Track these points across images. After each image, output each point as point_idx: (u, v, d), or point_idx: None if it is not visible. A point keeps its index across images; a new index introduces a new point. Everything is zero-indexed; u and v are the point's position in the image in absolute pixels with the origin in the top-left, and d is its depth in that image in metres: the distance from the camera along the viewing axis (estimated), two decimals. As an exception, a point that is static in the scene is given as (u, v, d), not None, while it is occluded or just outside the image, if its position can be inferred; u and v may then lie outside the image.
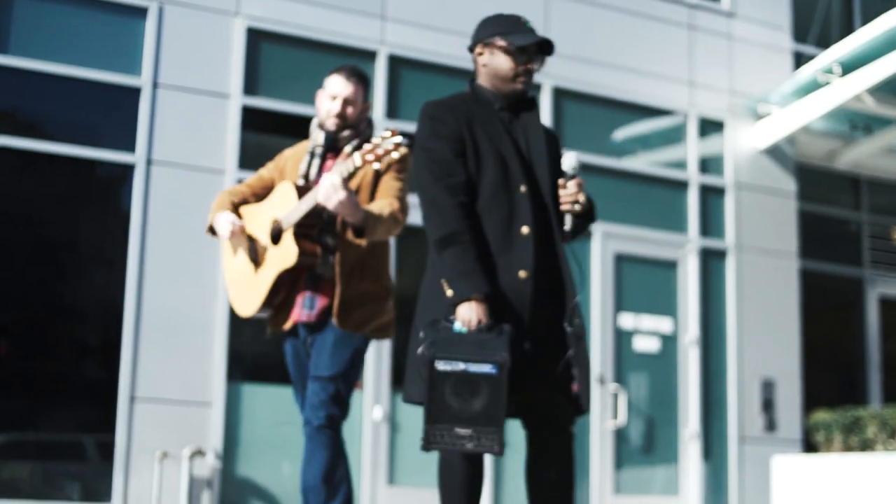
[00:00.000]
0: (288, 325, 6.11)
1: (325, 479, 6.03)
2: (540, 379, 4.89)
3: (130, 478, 9.90)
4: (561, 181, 5.09)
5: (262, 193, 6.32)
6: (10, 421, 9.97)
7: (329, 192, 5.62)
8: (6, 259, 10.25)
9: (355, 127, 6.23)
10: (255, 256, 6.13)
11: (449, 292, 4.81)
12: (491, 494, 11.15)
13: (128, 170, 10.33)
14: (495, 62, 5.22)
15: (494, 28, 5.29)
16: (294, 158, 6.31)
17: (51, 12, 10.37)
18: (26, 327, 10.28)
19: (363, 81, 6.29)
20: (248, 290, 6.15)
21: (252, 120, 10.75)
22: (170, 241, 10.23)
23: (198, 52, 10.70)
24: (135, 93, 10.43)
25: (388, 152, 5.57)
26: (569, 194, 5.05)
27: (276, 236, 6.01)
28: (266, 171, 6.39)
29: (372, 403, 10.84)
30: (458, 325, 4.76)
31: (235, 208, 6.28)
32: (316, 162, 6.18)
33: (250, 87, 10.82)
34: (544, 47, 5.23)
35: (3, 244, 10.26)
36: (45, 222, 10.55)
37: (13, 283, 10.25)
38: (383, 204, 6.02)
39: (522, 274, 4.88)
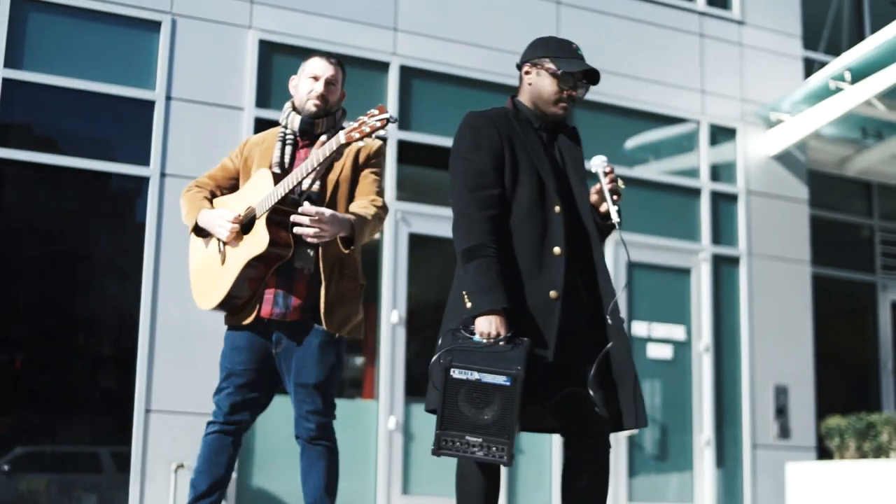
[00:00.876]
0: (250, 320, 5.78)
1: (328, 490, 6.02)
2: (576, 390, 4.94)
3: (146, 489, 9.93)
4: (595, 187, 5.17)
5: (226, 185, 6.02)
6: (27, 433, 10.02)
7: (315, 231, 5.45)
8: (22, 272, 10.30)
9: (333, 115, 5.97)
10: (223, 247, 5.81)
11: (468, 304, 4.83)
12: (505, 503, 11.18)
13: (142, 182, 10.37)
14: (540, 83, 5.25)
15: (545, 50, 5.29)
16: (262, 146, 5.97)
17: (64, 27, 10.43)
18: (42, 340, 10.33)
19: (342, 67, 6.03)
20: (212, 281, 5.83)
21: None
22: (184, 254, 10.24)
23: (211, 66, 10.75)
24: (148, 106, 10.47)
25: (374, 129, 5.39)
26: (608, 182, 5.16)
27: (248, 224, 5.72)
28: (230, 162, 6.04)
29: (386, 413, 10.87)
30: (477, 337, 4.79)
31: (210, 203, 5.96)
32: (289, 150, 5.87)
33: (263, 100, 10.86)
34: (590, 77, 5.28)
35: (19, 257, 10.32)
36: (60, 235, 10.60)
37: (29, 296, 10.30)
38: (365, 203, 5.76)
39: (553, 294, 4.92)
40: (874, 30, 14.09)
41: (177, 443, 9.95)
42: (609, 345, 5.00)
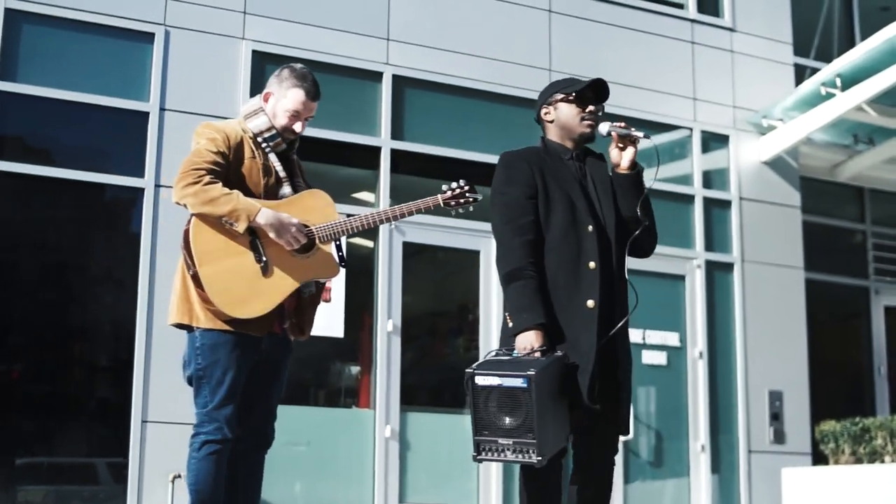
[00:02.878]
0: (265, 332, 5.79)
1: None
2: (594, 405, 5.37)
3: (143, 500, 9.93)
4: (613, 135, 5.68)
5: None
6: (24, 444, 10.03)
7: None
8: (18, 283, 10.32)
9: None
10: (264, 258, 5.70)
11: (510, 324, 5.35)
12: (502, 510, 11.22)
13: (137, 193, 10.39)
14: (561, 114, 5.75)
15: (552, 89, 5.86)
16: (248, 146, 5.90)
17: (58, 39, 10.45)
18: (38, 350, 10.33)
19: None
20: (253, 290, 5.67)
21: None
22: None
23: (204, 76, 10.78)
24: (143, 117, 10.49)
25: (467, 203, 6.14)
26: (623, 132, 5.66)
27: (308, 245, 5.79)
28: (222, 159, 5.77)
29: (382, 422, 10.89)
30: (517, 352, 5.28)
31: None
32: (277, 161, 5.95)
33: (257, 110, 10.88)
34: (600, 94, 5.79)
35: (15, 268, 10.34)
36: (56, 247, 10.62)
37: (25, 306, 10.32)
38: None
39: (590, 304, 5.40)
40: (864, 36, 14.13)
41: (174, 453, 9.93)
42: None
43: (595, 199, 5.62)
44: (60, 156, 10.46)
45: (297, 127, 6.02)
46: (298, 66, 6.21)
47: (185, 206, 5.61)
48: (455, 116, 11.97)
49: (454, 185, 6.09)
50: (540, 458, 5.09)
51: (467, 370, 5.17)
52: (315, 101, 6.10)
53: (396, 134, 11.50)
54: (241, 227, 5.58)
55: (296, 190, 5.94)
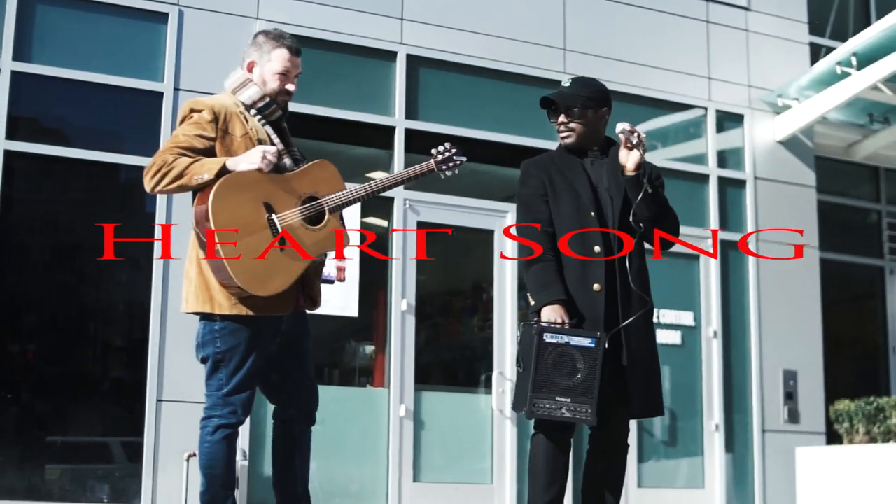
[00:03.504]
0: (291, 309, 5.78)
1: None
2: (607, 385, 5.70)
3: (158, 479, 9.96)
4: (622, 137, 5.92)
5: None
6: (39, 423, 10.06)
7: None
8: (32, 264, 10.35)
9: None
10: (281, 232, 5.67)
11: (532, 301, 5.81)
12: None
13: (151, 173, 10.39)
14: None
15: None
16: (240, 121, 5.84)
17: (72, 19, 10.45)
18: (53, 331, 10.36)
19: None
20: (271, 266, 5.60)
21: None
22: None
23: (218, 56, 10.74)
24: (157, 97, 10.49)
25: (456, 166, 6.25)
26: (631, 137, 5.87)
27: (318, 216, 5.77)
28: (203, 138, 5.72)
29: (397, 401, 10.90)
30: (544, 323, 5.64)
31: None
32: (273, 133, 5.94)
33: (271, 90, 10.87)
34: (545, 103, 6.19)
35: (29, 249, 10.36)
36: (70, 227, 10.63)
37: (39, 287, 10.34)
38: None
39: (596, 287, 5.78)
40: (880, 15, 14.09)
41: (189, 432, 9.88)
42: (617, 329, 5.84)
43: (602, 188, 6.01)
44: (74, 136, 10.48)
45: (290, 87, 6.03)
46: (270, 28, 6.23)
47: (159, 192, 5.69)
48: (469, 96, 11.95)
49: (441, 148, 6.22)
50: (594, 416, 5.55)
51: (528, 331, 5.65)
52: (299, 56, 6.10)
53: (411, 113, 11.49)
54: (211, 173, 5.56)
55: (295, 161, 5.92)
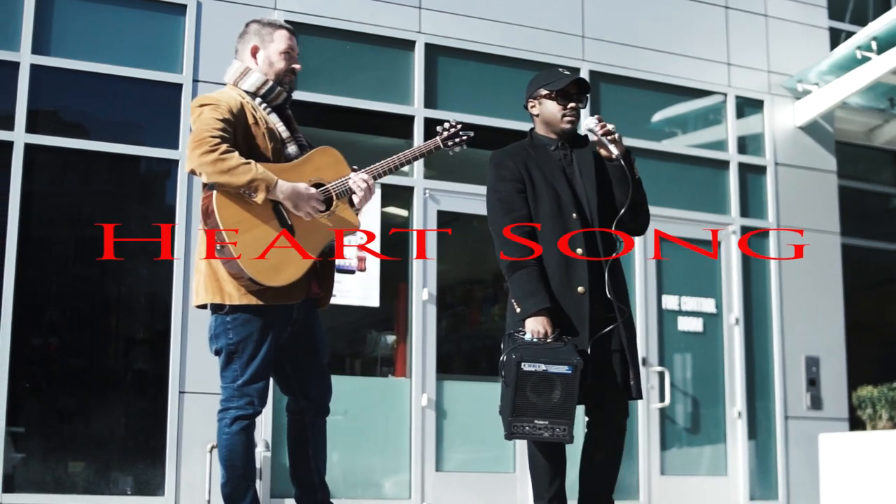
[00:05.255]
0: (301, 298, 5.75)
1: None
2: (598, 376, 5.84)
3: (182, 471, 9.99)
4: (595, 138, 5.99)
5: None
6: (62, 417, 10.09)
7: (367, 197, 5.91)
8: (54, 257, 10.36)
9: None
10: (289, 222, 5.67)
11: (518, 309, 5.81)
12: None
13: (171, 165, 10.42)
14: (545, 109, 6.14)
15: (537, 83, 6.21)
16: (249, 112, 5.80)
17: (90, 12, 10.46)
18: (75, 324, 10.39)
19: None
20: (280, 256, 5.60)
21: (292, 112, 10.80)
22: (214, 235, 10.28)
23: (237, 47, 10.75)
24: (176, 89, 10.49)
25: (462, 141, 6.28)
26: (600, 130, 5.93)
27: (326, 202, 5.76)
28: (230, 126, 5.65)
29: (419, 390, 10.90)
30: (528, 336, 5.73)
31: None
32: (279, 121, 5.92)
33: (289, 80, 10.87)
34: (583, 89, 6.13)
35: (51, 242, 10.38)
36: (91, 219, 10.64)
37: (61, 280, 10.36)
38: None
39: (580, 289, 5.85)
40: (900, -2, 14.06)
41: (211, 424, 9.90)
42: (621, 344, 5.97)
43: (580, 187, 6.01)
44: (94, 129, 10.49)
45: (296, 65, 6.06)
46: (258, 18, 6.27)
47: (199, 174, 5.50)
48: (488, 84, 11.94)
49: (446, 125, 6.23)
50: (570, 436, 5.68)
51: (510, 356, 5.68)
52: (296, 36, 6.15)
53: (430, 102, 11.48)
54: (259, 198, 5.51)
55: (300, 148, 5.92)
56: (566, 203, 5.93)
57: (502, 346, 5.90)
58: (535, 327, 5.72)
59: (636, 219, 6.10)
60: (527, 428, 5.66)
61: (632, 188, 5.94)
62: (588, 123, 5.95)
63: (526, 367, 5.61)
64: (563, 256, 5.86)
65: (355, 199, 5.88)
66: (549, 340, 5.70)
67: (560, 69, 6.26)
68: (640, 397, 5.99)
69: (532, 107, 6.21)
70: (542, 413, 5.64)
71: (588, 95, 6.19)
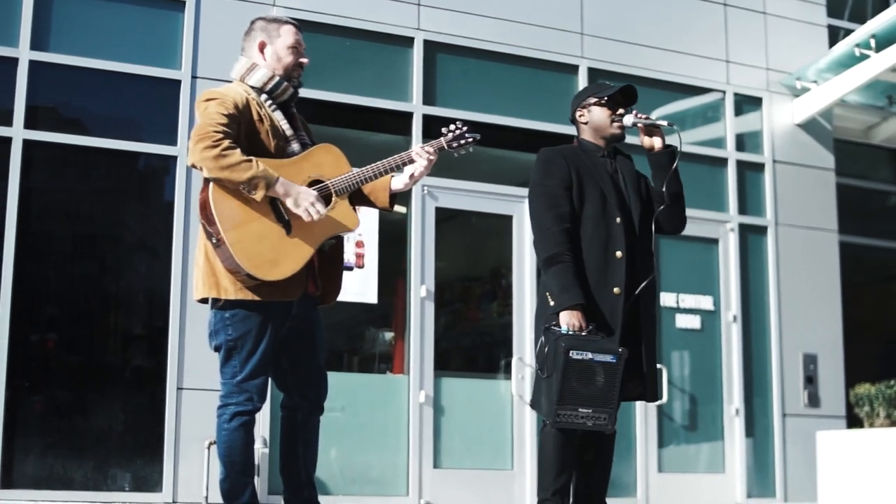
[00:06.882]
0: (299, 295, 5.72)
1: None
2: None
3: (179, 466, 9.99)
4: (640, 126, 6.32)
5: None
6: (60, 413, 10.08)
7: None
8: (52, 253, 10.36)
9: None
10: (286, 217, 5.64)
11: (551, 303, 5.97)
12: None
13: (170, 161, 10.42)
14: (594, 117, 6.39)
15: (585, 93, 6.51)
16: (254, 108, 5.79)
17: (89, 8, 10.45)
18: (73, 320, 10.38)
19: None
20: (278, 250, 5.58)
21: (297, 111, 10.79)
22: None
23: (235, 43, 10.67)
24: (175, 85, 10.50)
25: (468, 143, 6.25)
26: (647, 123, 6.30)
27: (325, 199, 5.70)
28: (234, 122, 5.63)
29: (416, 387, 10.91)
30: (564, 328, 5.88)
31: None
32: (283, 118, 5.90)
33: (288, 77, 10.86)
34: (630, 98, 6.39)
35: (49, 238, 10.37)
36: (90, 216, 10.65)
37: (59, 276, 10.36)
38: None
39: (616, 290, 6.05)
40: (899, -4, 14.05)
41: (209, 420, 9.89)
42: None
43: (625, 194, 6.26)
44: (93, 125, 10.49)
45: (304, 60, 6.04)
46: (263, 15, 6.28)
47: (200, 169, 5.47)
48: (487, 81, 11.94)
49: (452, 126, 6.23)
50: (612, 424, 5.89)
51: (556, 345, 5.81)
52: (301, 33, 6.13)
53: (428, 99, 11.48)
54: (258, 195, 5.49)
55: (303, 146, 5.90)
56: (611, 206, 6.16)
57: (541, 340, 6.02)
58: (570, 321, 5.88)
59: (674, 216, 6.47)
60: (571, 416, 5.82)
61: (672, 176, 6.30)
62: (629, 119, 6.27)
63: (574, 354, 5.76)
64: (603, 257, 6.10)
65: (416, 168, 6.03)
66: (583, 334, 5.86)
67: (605, 82, 6.73)
68: (662, 398, 6.26)
69: (580, 115, 6.44)
70: (586, 401, 5.81)
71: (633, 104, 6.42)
